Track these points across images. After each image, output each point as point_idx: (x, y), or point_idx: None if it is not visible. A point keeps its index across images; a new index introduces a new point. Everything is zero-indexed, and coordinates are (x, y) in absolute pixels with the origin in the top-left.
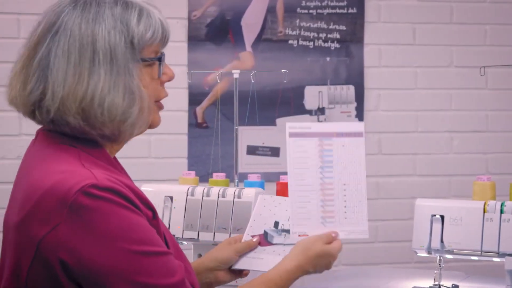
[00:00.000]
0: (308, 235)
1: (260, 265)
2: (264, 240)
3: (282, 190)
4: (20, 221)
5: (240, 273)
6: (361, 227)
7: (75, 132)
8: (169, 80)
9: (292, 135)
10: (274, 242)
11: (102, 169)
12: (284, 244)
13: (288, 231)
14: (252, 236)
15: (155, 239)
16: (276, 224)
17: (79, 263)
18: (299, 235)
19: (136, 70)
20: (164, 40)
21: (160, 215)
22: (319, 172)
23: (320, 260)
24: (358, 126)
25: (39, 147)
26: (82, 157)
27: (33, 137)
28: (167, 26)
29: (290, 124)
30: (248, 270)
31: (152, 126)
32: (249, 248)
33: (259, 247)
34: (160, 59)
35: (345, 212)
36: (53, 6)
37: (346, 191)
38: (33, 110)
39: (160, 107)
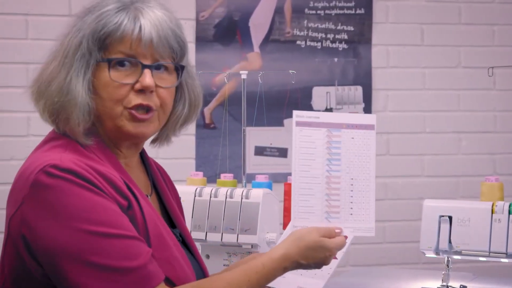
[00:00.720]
0: None
1: (281, 284)
2: None
3: (290, 191)
4: (6, 206)
5: None
6: (367, 224)
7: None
8: (141, 89)
9: (299, 124)
10: None
11: (80, 155)
12: None
13: None
14: None
15: (119, 222)
16: None
17: (36, 239)
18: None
19: (79, 64)
20: (114, 34)
21: None
22: (325, 164)
23: (313, 253)
24: (370, 118)
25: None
26: (68, 145)
27: (41, 138)
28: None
29: (297, 112)
30: None
31: (122, 133)
32: None
33: None
34: (109, 61)
35: (351, 208)
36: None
37: (354, 186)
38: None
39: (132, 115)
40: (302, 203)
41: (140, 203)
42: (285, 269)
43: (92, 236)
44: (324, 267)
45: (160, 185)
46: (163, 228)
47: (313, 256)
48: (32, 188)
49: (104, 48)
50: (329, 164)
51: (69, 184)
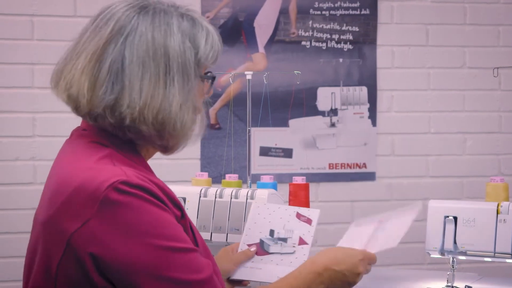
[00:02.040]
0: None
1: (259, 275)
2: (261, 249)
3: (295, 192)
4: (49, 218)
5: (239, 283)
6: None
7: (133, 135)
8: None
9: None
10: (270, 251)
11: (132, 167)
12: (281, 253)
13: (284, 240)
14: (249, 245)
15: (183, 236)
16: (271, 232)
17: (109, 258)
18: (293, 244)
19: (197, 87)
20: (217, 60)
21: None
22: None
23: (344, 257)
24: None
25: (71, 146)
26: (113, 156)
27: (46, 138)
28: (222, 46)
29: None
30: (248, 281)
31: None
32: (247, 258)
33: (256, 257)
34: (214, 78)
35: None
36: (118, 6)
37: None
38: (101, 112)
39: None
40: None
41: (185, 212)
42: (319, 275)
43: (165, 252)
44: (299, 255)
45: None
46: (200, 236)
47: (344, 261)
48: (102, 205)
49: (202, 67)
50: None
51: (140, 200)
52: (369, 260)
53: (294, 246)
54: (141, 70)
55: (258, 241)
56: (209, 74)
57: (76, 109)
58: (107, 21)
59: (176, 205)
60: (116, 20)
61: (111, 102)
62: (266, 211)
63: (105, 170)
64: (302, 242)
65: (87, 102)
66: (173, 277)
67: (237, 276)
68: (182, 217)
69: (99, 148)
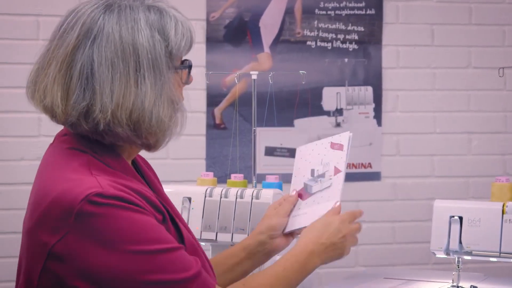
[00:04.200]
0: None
1: (304, 221)
2: (306, 193)
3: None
4: (31, 227)
5: (293, 235)
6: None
7: (111, 139)
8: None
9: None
10: (313, 191)
11: (110, 175)
12: (321, 190)
13: (322, 175)
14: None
15: (165, 236)
16: (312, 172)
17: (90, 270)
18: (330, 177)
19: (172, 79)
20: (191, 47)
21: None
22: None
23: (326, 228)
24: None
25: (52, 153)
26: (91, 164)
27: (51, 138)
28: (194, 32)
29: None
30: (300, 230)
31: None
32: (292, 205)
33: (302, 202)
34: (190, 67)
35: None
36: (82, 8)
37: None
38: (75, 120)
39: None
40: None
41: (170, 213)
42: (311, 253)
43: (149, 256)
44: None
45: (149, 178)
46: (189, 232)
47: (326, 231)
48: (77, 218)
49: (175, 58)
50: None
51: (115, 209)
52: (349, 219)
53: (331, 178)
54: (110, 72)
55: (303, 186)
56: (185, 63)
57: (53, 118)
58: (73, 26)
59: (156, 209)
60: (82, 23)
61: (84, 109)
62: (307, 151)
63: (81, 181)
64: (336, 171)
65: (62, 112)
66: (161, 279)
67: (288, 228)
68: (163, 221)
69: (77, 155)
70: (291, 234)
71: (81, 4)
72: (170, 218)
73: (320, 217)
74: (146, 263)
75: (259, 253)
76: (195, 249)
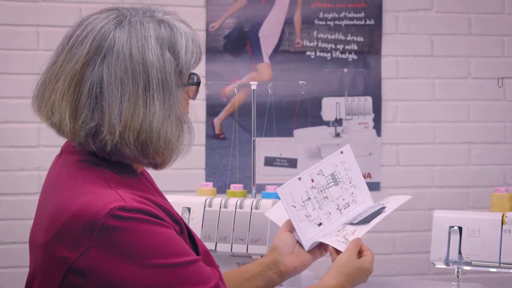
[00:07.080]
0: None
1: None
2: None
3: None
4: (48, 241)
5: (314, 255)
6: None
7: (118, 158)
8: None
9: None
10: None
11: (128, 187)
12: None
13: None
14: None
15: (186, 249)
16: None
17: (115, 285)
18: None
19: (180, 97)
20: (199, 62)
21: None
22: None
23: (358, 277)
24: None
25: (64, 165)
26: (108, 177)
27: (51, 148)
28: (203, 47)
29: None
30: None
31: None
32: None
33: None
34: (199, 83)
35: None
36: (92, 22)
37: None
38: (83, 140)
39: None
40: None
41: (186, 224)
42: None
43: (173, 269)
44: None
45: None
46: (202, 243)
47: (359, 279)
48: (101, 233)
49: (185, 75)
50: None
51: (138, 223)
52: (372, 257)
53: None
54: (120, 92)
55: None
56: (193, 78)
57: (60, 133)
58: (83, 40)
59: (174, 220)
60: (92, 39)
61: (92, 129)
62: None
63: (102, 195)
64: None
65: (70, 130)
66: None
67: (310, 241)
68: (181, 231)
69: (91, 168)
70: (310, 252)
71: (91, 17)
72: (186, 229)
73: (352, 251)
74: (170, 276)
75: (271, 270)
76: (209, 259)
